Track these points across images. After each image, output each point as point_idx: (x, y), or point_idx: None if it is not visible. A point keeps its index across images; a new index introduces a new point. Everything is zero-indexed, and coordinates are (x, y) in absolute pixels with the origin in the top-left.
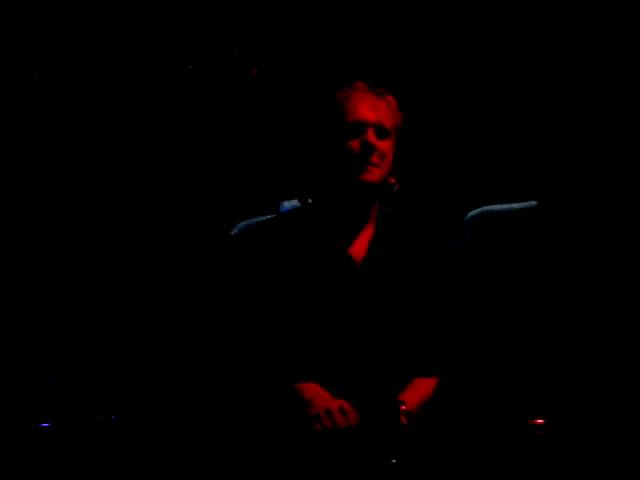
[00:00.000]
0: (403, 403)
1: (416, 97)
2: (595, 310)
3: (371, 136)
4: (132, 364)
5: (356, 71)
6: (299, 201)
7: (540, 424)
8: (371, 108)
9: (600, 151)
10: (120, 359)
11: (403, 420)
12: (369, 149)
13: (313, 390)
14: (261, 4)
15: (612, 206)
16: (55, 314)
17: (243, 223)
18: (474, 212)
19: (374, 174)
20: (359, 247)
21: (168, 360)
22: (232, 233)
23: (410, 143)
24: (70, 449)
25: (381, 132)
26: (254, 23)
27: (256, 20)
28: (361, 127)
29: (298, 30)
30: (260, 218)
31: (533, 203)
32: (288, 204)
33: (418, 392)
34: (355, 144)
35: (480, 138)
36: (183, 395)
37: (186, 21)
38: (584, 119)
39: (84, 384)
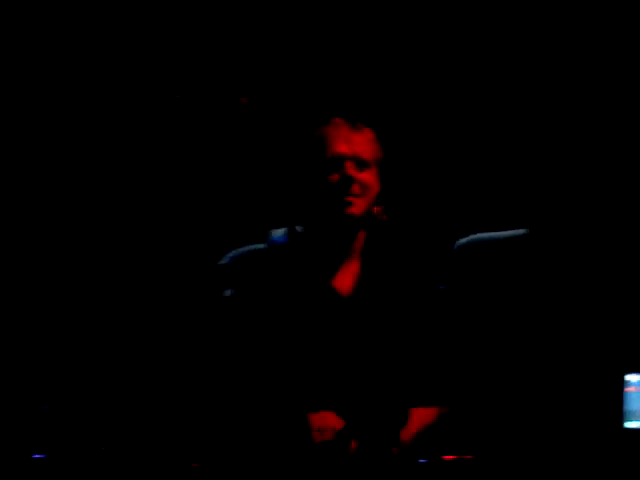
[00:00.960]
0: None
1: (402, 127)
2: (588, 336)
3: (349, 168)
4: (130, 392)
5: (335, 107)
6: (286, 235)
7: (538, 457)
8: (347, 141)
9: (591, 178)
10: (117, 387)
11: (395, 450)
12: (348, 181)
13: (325, 413)
14: (250, 35)
15: (604, 234)
16: (52, 347)
17: (232, 252)
18: (463, 240)
19: (356, 206)
20: (344, 279)
21: (161, 392)
22: (221, 262)
23: (396, 173)
24: None
25: (360, 164)
26: (246, 56)
27: (247, 53)
28: (339, 161)
29: (282, 64)
30: (249, 247)
31: (523, 231)
32: (277, 233)
33: (412, 422)
34: (335, 178)
35: (469, 166)
36: (176, 430)
37: (176, 50)
38: (574, 145)
39: (79, 415)
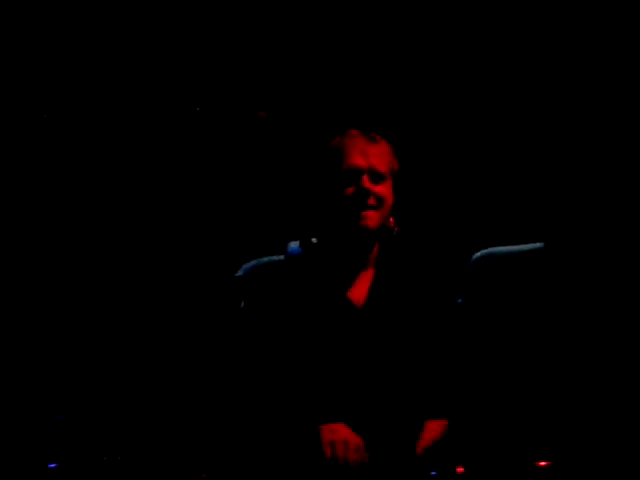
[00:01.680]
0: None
1: (418, 139)
2: (601, 352)
3: (366, 181)
4: (143, 403)
5: (351, 118)
6: (300, 246)
7: (545, 466)
8: (363, 154)
9: (608, 192)
10: (130, 398)
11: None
12: (364, 194)
13: (336, 425)
14: (268, 50)
15: (619, 247)
16: (66, 359)
17: (250, 263)
18: (479, 253)
19: (371, 219)
20: (359, 290)
21: (176, 401)
22: (238, 274)
23: (412, 185)
24: None
25: (375, 176)
26: (262, 67)
27: (263, 64)
28: (355, 173)
29: (299, 76)
30: (267, 258)
31: (539, 245)
32: (295, 244)
33: (426, 434)
34: (351, 190)
35: (485, 179)
36: (189, 438)
37: (196, 63)
38: (591, 161)
39: (92, 424)
